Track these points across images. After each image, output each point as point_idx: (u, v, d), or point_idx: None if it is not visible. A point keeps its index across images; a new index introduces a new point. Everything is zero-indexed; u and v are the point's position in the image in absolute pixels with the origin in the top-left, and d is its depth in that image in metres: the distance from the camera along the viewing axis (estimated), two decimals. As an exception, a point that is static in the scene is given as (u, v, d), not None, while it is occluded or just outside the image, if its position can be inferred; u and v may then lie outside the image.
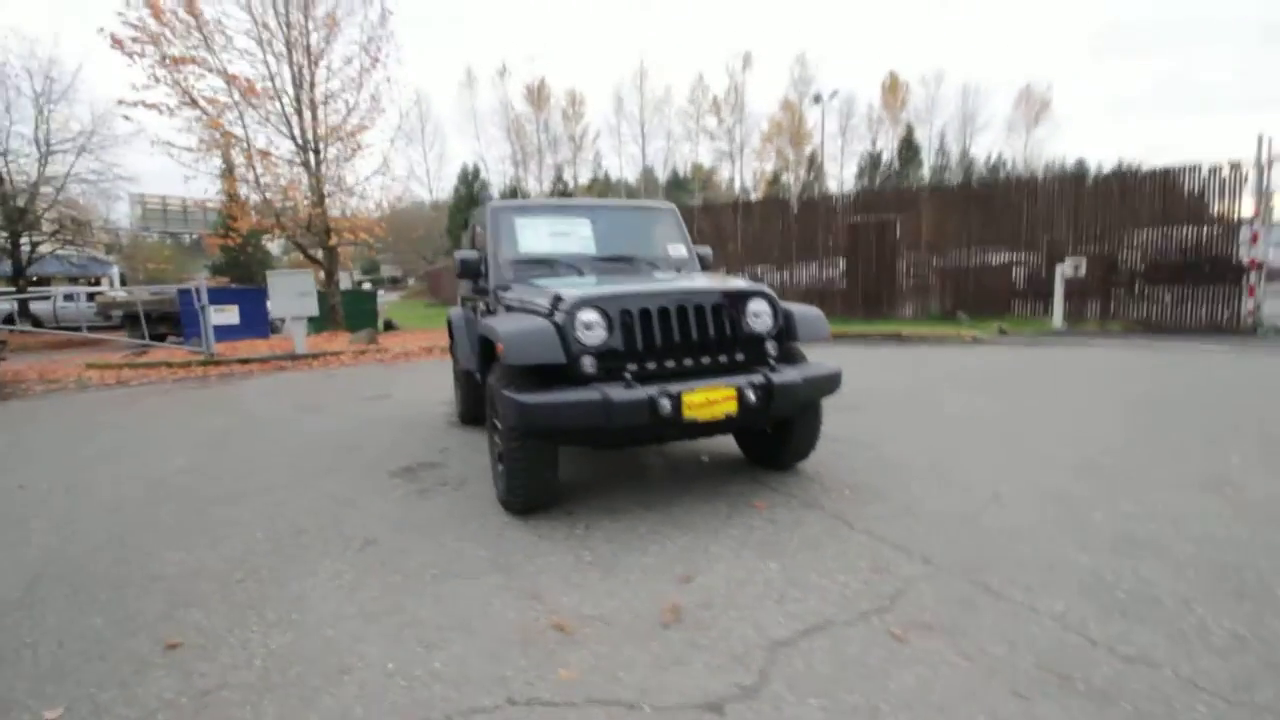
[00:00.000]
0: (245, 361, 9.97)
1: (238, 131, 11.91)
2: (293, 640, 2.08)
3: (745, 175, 48.26)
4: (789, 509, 3.05)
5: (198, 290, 10.11)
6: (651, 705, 1.70)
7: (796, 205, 14.18)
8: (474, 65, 57.02)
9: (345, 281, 18.25)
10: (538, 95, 41.61)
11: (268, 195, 12.54)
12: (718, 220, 14.44)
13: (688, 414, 2.78)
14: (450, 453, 4.33)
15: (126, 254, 28.44)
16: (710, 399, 2.83)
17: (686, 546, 2.67)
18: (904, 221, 12.44)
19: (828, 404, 3.45)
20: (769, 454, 3.65)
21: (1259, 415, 4.56)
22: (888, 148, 48.14)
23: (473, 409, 5.05)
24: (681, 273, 4.02)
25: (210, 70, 11.43)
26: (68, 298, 19.11)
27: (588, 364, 2.86)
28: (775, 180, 46.75)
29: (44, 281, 24.29)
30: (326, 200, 12.72)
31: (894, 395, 5.69)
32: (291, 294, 10.37)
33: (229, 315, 11.94)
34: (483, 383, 3.56)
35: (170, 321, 13.02)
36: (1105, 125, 67.50)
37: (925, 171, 47.63)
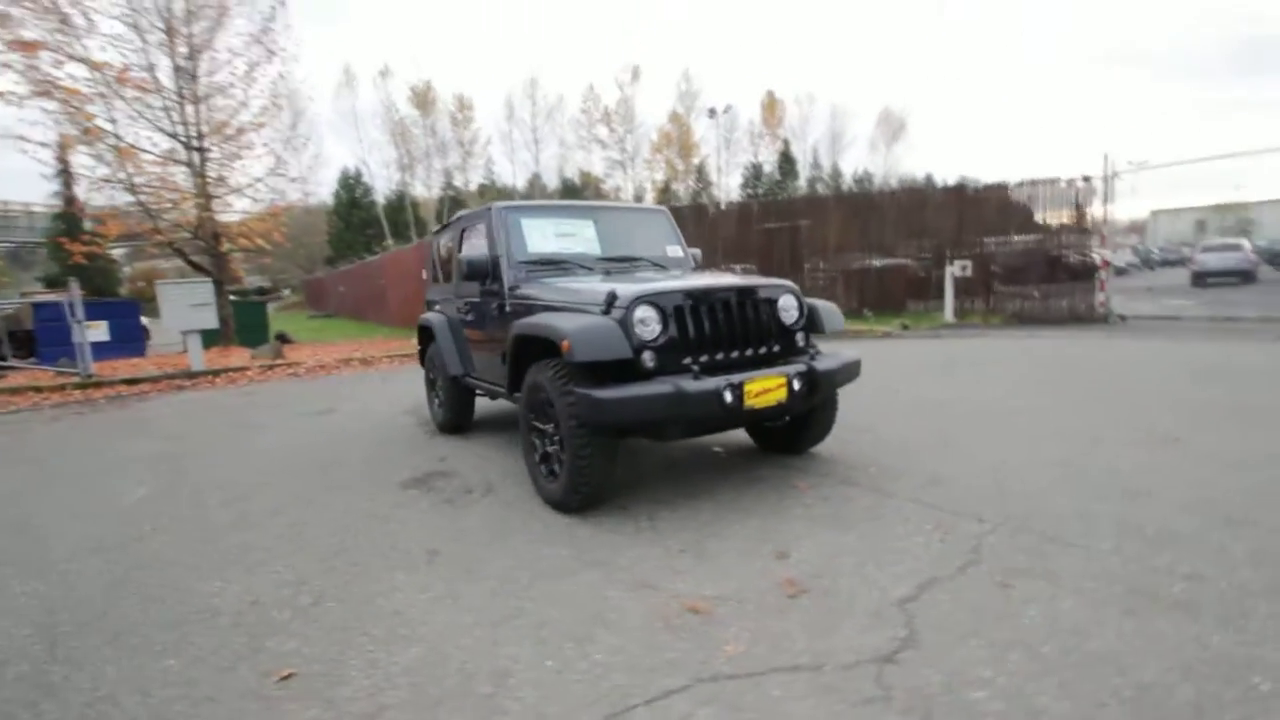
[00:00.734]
0: (133, 382, 8.83)
1: (105, 125, 10.50)
2: (425, 653, 1.98)
3: (637, 184, 49.14)
4: (831, 488, 3.26)
5: (70, 304, 8.83)
6: (831, 665, 1.81)
7: (713, 209, 14.74)
8: (353, 65, 53.40)
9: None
10: (424, 98, 39.97)
11: (141, 198, 11.16)
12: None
13: (748, 403, 2.91)
14: (452, 461, 4.16)
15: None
16: (765, 388, 2.98)
17: (760, 528, 2.80)
18: (811, 227, 13.34)
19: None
20: (785, 441, 3.85)
21: (1157, 385, 5.42)
22: (768, 160, 50.95)
23: (457, 416, 4.87)
24: (686, 271, 4.15)
25: (71, 58, 10.00)
26: None
27: (648, 358, 2.91)
28: (666, 189, 47.97)
29: None
30: (214, 203, 11.53)
31: (850, 386, 6.13)
32: (185, 306, 9.33)
33: (97, 332, 10.54)
34: (514, 387, 3.48)
35: (19, 340, 11.22)
36: (952, 144, 75.74)
37: (802, 183, 50.95)
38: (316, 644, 2.07)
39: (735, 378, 2.90)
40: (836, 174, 53.80)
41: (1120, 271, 11.22)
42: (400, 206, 40.42)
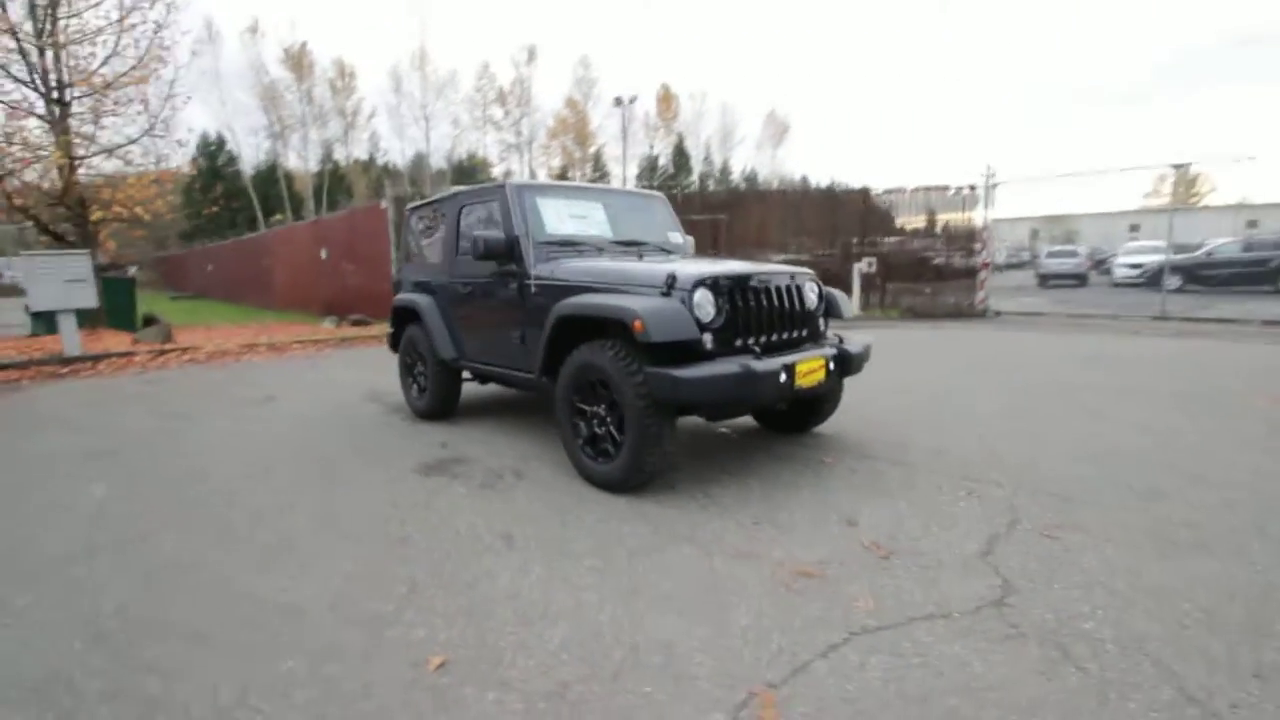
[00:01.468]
0: (-7, 369, 7.54)
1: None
2: (572, 631, 1.98)
3: (532, 169, 48.17)
4: (854, 462, 3.53)
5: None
6: (957, 612, 2.03)
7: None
8: (216, 19, 47.53)
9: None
10: (299, 62, 36.56)
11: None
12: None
13: (798, 382, 3.10)
14: (457, 447, 4.01)
15: None
16: (811, 368, 3.18)
17: (815, 500, 2.99)
18: (731, 221, 13.87)
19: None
20: (791, 421, 4.09)
21: (1057, 369, 6.26)
22: (664, 153, 51.89)
23: (443, 403, 4.68)
24: (699, 256, 4.26)
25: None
26: None
27: (708, 340, 3.01)
28: (563, 176, 47.51)
29: None
30: (79, 166, 9.97)
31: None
32: (58, 282, 8.07)
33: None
34: (548, 369, 3.44)
35: None
36: (828, 147, 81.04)
37: (695, 178, 52.39)
38: (447, 630, 2.00)
39: (788, 358, 3.08)
40: (727, 171, 55.83)
41: (973, 272, 12.58)
42: (272, 179, 36.91)
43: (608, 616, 2.06)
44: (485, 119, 44.25)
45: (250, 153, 38.05)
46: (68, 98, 9.94)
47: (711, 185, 50.81)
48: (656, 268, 3.21)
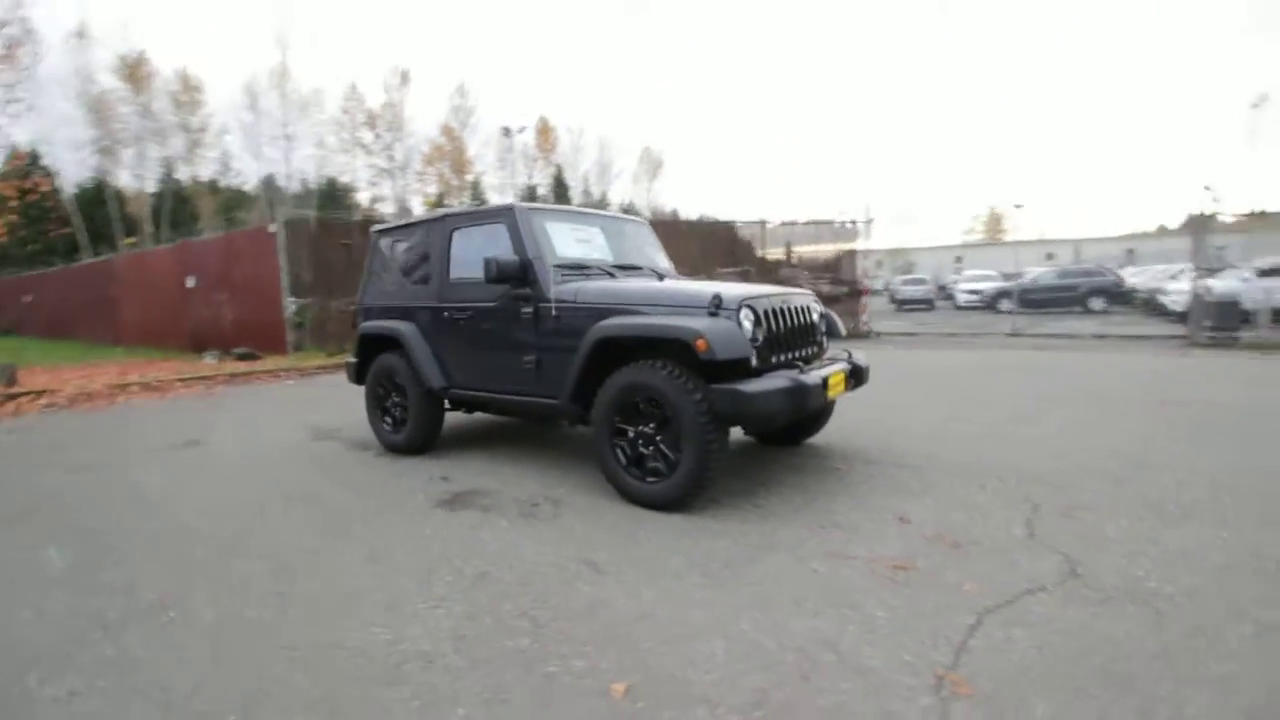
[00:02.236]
0: None
1: None
2: (730, 643, 1.99)
3: (403, 196, 46.23)
4: (864, 469, 3.79)
5: None
6: (1050, 584, 2.29)
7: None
8: (35, 18, 40.97)
9: None
10: (136, 72, 32.53)
11: None
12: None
13: (829, 394, 3.32)
14: (463, 479, 3.80)
15: None
16: (836, 381, 3.42)
17: (860, 503, 3.19)
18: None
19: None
20: (784, 433, 4.31)
21: (970, 380, 7.08)
22: (543, 184, 52.10)
23: (426, 434, 4.40)
24: (693, 279, 4.41)
25: None
26: None
27: (753, 357, 3.15)
28: (440, 203, 46.05)
29: None
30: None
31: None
32: None
33: None
34: (584, 393, 3.39)
35: None
36: (700, 182, 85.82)
37: (575, 208, 53.08)
38: (602, 658, 1.92)
39: (823, 371, 3.29)
40: (605, 202, 57.09)
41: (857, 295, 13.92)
42: (99, 199, 32.37)
43: (749, 627, 2.08)
44: (355, 141, 41.92)
45: (73, 169, 33.06)
46: None
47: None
48: (698, 288, 3.32)
